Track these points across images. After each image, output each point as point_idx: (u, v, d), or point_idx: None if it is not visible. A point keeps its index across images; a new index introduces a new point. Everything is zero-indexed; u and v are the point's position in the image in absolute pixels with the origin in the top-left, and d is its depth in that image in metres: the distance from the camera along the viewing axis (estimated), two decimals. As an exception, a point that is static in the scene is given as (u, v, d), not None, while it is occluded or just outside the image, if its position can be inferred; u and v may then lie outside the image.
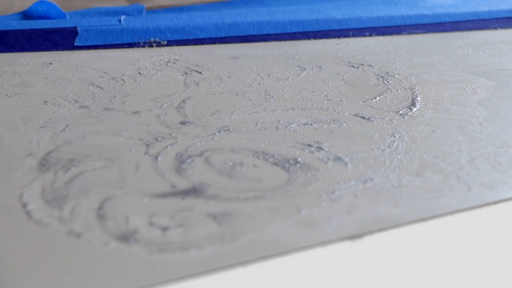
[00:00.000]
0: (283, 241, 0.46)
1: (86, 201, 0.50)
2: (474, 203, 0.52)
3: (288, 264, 0.45)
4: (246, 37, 0.92)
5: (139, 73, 0.77)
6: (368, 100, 0.71)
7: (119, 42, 0.88)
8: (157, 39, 0.89)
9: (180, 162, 0.56)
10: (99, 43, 0.87)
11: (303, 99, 0.71)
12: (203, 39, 0.91)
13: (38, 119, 0.63)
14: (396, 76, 0.79)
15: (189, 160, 0.57)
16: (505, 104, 0.73)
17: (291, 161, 0.57)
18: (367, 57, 0.85)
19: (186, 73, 0.78)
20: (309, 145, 0.60)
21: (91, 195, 0.51)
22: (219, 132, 0.62)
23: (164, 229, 0.47)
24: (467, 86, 0.76)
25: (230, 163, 0.57)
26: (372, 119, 0.67)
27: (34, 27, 0.88)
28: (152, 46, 0.88)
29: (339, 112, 0.68)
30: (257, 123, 0.65)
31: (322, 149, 0.60)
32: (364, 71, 0.80)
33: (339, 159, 0.58)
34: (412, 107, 0.70)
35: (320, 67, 0.81)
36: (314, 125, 0.65)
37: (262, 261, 0.45)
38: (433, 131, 0.64)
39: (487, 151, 0.60)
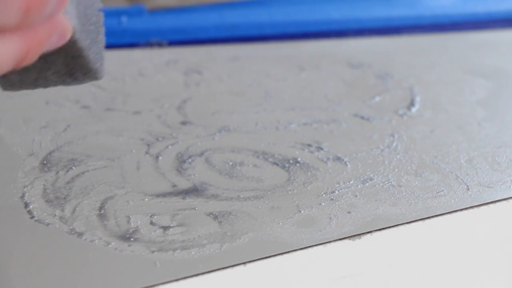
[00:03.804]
0: (283, 241, 0.47)
1: (88, 201, 0.50)
2: (473, 202, 0.52)
3: (288, 263, 0.46)
4: (246, 38, 0.92)
5: (140, 73, 0.78)
6: (367, 100, 0.72)
7: (120, 42, 0.88)
8: (157, 40, 0.89)
9: (181, 161, 0.57)
10: (100, 44, 0.87)
11: (302, 99, 0.71)
12: (203, 39, 0.91)
13: (40, 119, 0.64)
14: (395, 77, 0.79)
15: (189, 160, 0.57)
16: (504, 104, 0.73)
17: (291, 161, 0.58)
18: (366, 58, 0.86)
19: (187, 74, 0.78)
20: (309, 145, 0.61)
21: (92, 195, 0.51)
22: (219, 132, 0.63)
23: (165, 228, 0.47)
24: (466, 87, 0.77)
25: (230, 163, 0.57)
26: (371, 119, 0.67)
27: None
28: (152, 47, 0.89)
29: (338, 112, 0.68)
30: (257, 123, 0.65)
31: (322, 149, 0.60)
32: (363, 72, 0.81)
33: (338, 159, 0.58)
34: (411, 107, 0.70)
35: (320, 68, 0.82)
36: (314, 125, 0.65)
37: (262, 260, 0.45)
38: (432, 131, 0.64)
39: (485, 151, 0.60)
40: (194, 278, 0.43)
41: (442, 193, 0.53)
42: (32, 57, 0.34)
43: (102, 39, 0.42)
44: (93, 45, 0.40)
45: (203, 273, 0.43)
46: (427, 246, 0.50)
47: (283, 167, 0.57)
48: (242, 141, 0.61)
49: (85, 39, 0.39)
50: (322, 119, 0.66)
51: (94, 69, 0.41)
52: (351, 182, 0.55)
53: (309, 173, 0.56)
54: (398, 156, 0.59)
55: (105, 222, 0.48)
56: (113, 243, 0.45)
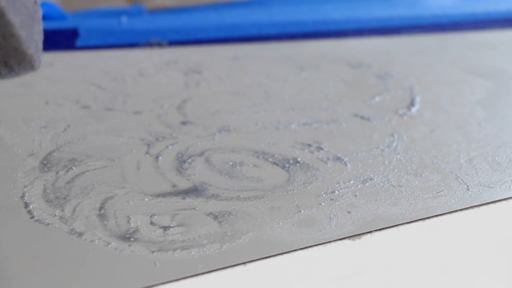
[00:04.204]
0: (283, 240, 0.47)
1: (88, 201, 0.50)
2: (473, 202, 0.52)
3: (288, 263, 0.46)
4: (246, 38, 0.92)
5: (140, 73, 0.78)
6: (367, 100, 0.72)
7: (120, 42, 0.88)
8: (157, 40, 0.89)
9: (181, 161, 0.57)
10: (100, 44, 0.88)
11: (302, 99, 0.72)
12: (203, 39, 0.91)
13: (40, 119, 0.64)
14: (395, 77, 0.79)
15: (189, 160, 0.57)
16: (504, 104, 0.73)
17: (291, 161, 0.58)
18: (366, 58, 0.86)
19: (187, 74, 0.78)
20: (309, 145, 0.61)
21: (92, 195, 0.51)
22: (219, 132, 0.63)
23: (165, 228, 0.47)
24: (466, 87, 0.77)
25: (231, 163, 0.57)
26: (371, 119, 0.67)
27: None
28: (152, 47, 0.89)
29: (338, 112, 0.68)
30: (257, 123, 0.65)
31: (322, 149, 0.60)
32: (363, 72, 0.81)
33: (338, 159, 0.58)
34: (411, 107, 0.70)
35: (320, 68, 0.82)
36: (314, 125, 0.65)
37: (262, 260, 0.45)
38: (432, 131, 0.64)
39: (485, 151, 0.61)
40: (194, 278, 0.43)
41: (442, 193, 0.53)
42: None
43: (39, 31, 0.42)
44: (26, 29, 0.40)
45: (203, 273, 0.43)
46: (427, 246, 0.50)
47: (283, 167, 0.57)
48: (242, 141, 0.61)
49: (14, 14, 0.39)
50: (322, 119, 0.67)
51: (29, 55, 0.40)
52: (351, 182, 0.55)
53: (309, 173, 0.56)
54: (398, 156, 0.59)
55: (105, 222, 0.48)
56: (113, 243, 0.45)
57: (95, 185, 0.52)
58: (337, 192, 0.53)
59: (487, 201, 0.52)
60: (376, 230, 0.48)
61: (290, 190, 0.53)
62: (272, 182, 0.54)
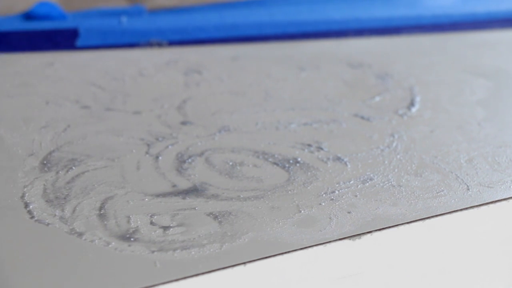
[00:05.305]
0: (283, 240, 0.47)
1: (88, 201, 0.50)
2: (473, 202, 0.52)
3: (288, 263, 0.46)
4: (246, 38, 0.92)
5: (140, 73, 0.78)
6: (367, 100, 0.72)
7: (120, 42, 0.88)
8: (157, 40, 0.89)
9: (181, 161, 0.57)
10: (100, 44, 0.88)
11: (302, 99, 0.71)
12: (203, 39, 0.91)
13: (40, 119, 0.64)
14: (395, 77, 0.79)
15: (189, 160, 0.57)
16: (504, 104, 0.73)
17: (291, 161, 0.58)
18: (366, 58, 0.86)
19: (187, 74, 0.78)
20: (309, 145, 0.61)
21: (92, 195, 0.51)
22: (219, 132, 0.63)
23: (165, 228, 0.47)
24: (466, 87, 0.77)
25: (231, 163, 0.57)
26: (371, 119, 0.67)
27: (36, 28, 0.88)
28: (152, 47, 0.89)
29: (338, 112, 0.68)
30: (257, 123, 0.65)
31: (322, 149, 0.60)
32: (363, 72, 0.81)
33: (338, 159, 0.58)
34: (411, 107, 0.70)
35: (320, 68, 0.82)
36: (314, 125, 0.65)
37: (262, 260, 0.45)
38: (432, 131, 0.64)
39: (485, 151, 0.60)
40: (194, 278, 0.43)
41: (442, 193, 0.53)
42: None
43: None
44: None
45: (203, 273, 0.43)
46: (427, 246, 0.50)
47: (283, 167, 0.57)
48: (242, 141, 0.61)
49: None
50: (322, 119, 0.67)
51: None
52: (351, 182, 0.55)
53: (309, 173, 0.56)
54: (398, 156, 0.59)
55: (105, 222, 0.48)
56: (113, 243, 0.45)
57: (95, 185, 0.52)
58: (337, 192, 0.53)
59: (487, 201, 0.52)
60: (376, 230, 0.48)
61: (290, 190, 0.53)
62: (272, 182, 0.54)
